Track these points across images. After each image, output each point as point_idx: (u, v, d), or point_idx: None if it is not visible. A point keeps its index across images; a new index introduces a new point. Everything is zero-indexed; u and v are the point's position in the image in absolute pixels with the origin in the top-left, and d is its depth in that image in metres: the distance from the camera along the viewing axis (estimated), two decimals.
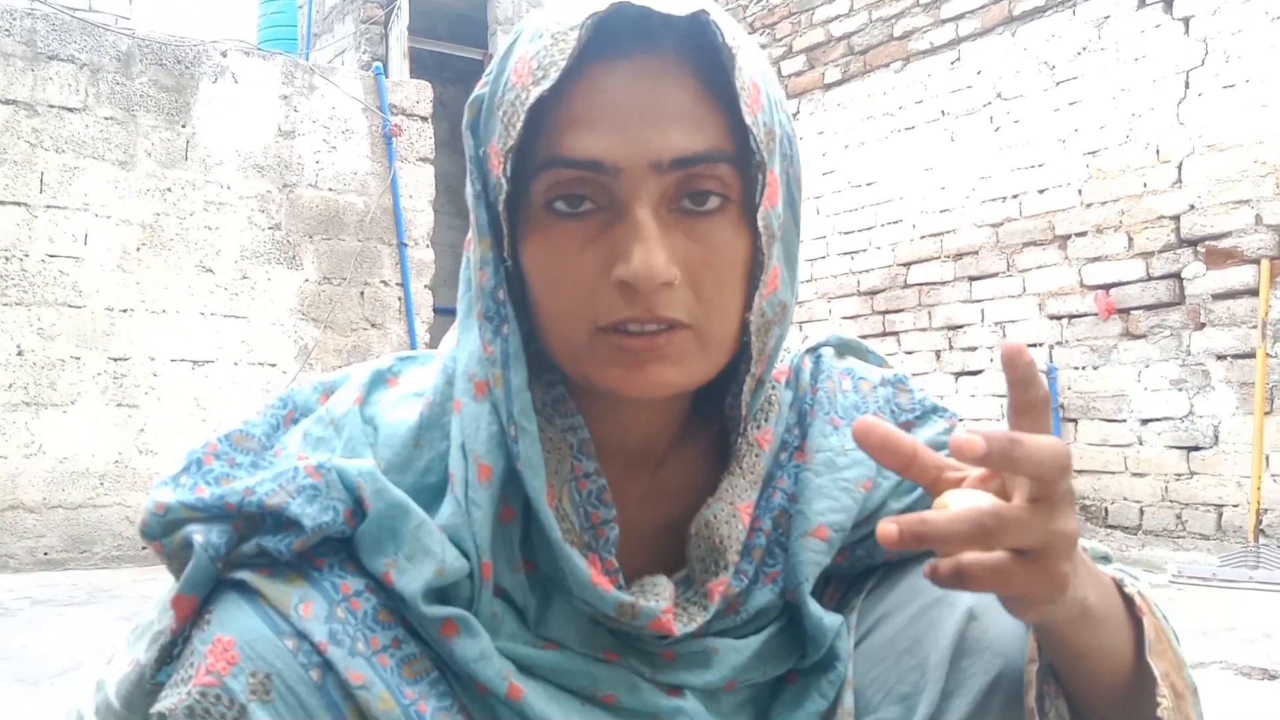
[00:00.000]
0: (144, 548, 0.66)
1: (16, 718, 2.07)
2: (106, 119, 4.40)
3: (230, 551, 0.64)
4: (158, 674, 0.65)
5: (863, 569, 0.81)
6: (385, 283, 5.06)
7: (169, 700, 0.61)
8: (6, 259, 4.15)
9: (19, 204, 4.20)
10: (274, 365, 4.70)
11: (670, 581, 0.72)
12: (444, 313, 6.65)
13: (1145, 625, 0.64)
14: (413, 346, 5.07)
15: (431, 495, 0.67)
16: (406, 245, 5.11)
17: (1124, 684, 0.65)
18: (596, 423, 0.71)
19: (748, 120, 0.61)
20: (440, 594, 0.66)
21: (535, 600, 0.70)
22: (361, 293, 4.98)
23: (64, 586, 3.70)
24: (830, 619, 0.76)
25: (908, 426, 0.80)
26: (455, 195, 8.38)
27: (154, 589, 3.58)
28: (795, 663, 0.77)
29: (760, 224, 0.64)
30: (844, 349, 0.85)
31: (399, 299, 5.08)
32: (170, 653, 0.64)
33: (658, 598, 0.69)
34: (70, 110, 4.33)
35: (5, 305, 4.13)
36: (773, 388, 0.76)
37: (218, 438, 0.69)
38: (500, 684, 0.65)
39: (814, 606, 0.75)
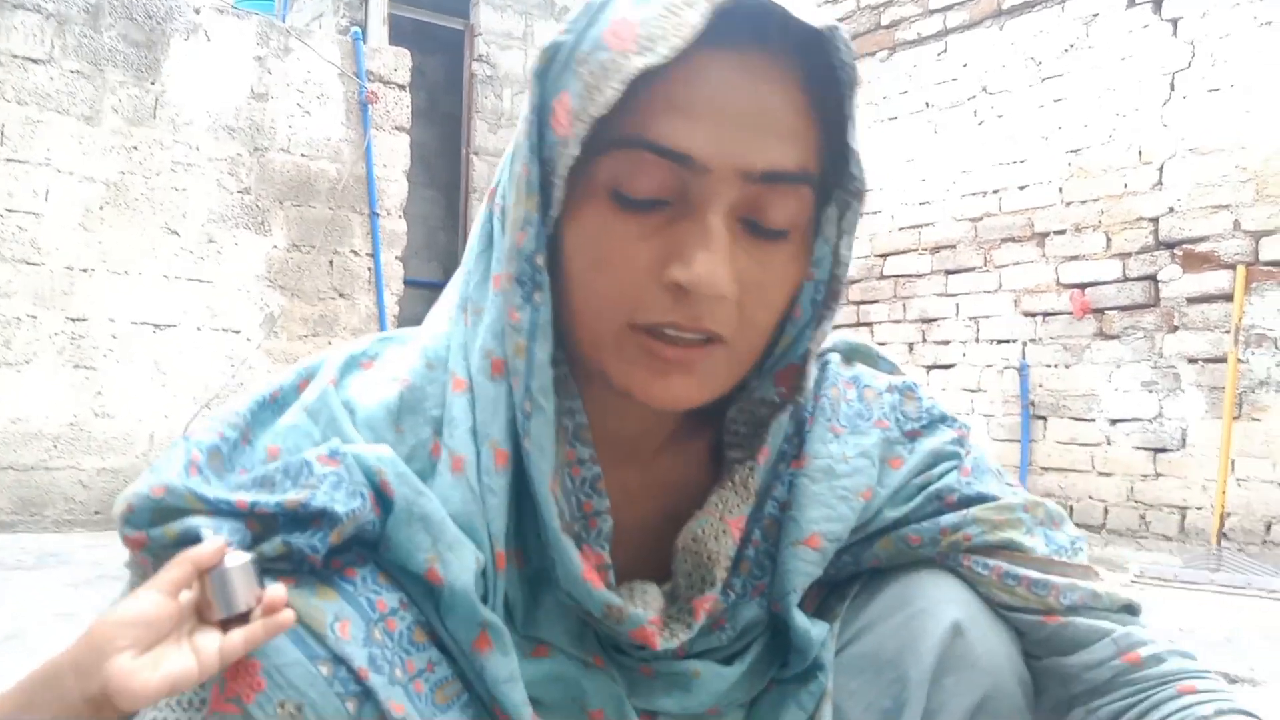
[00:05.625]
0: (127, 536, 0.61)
1: None
2: (72, 72, 4.27)
3: None
4: None
5: (848, 575, 0.77)
6: (355, 252, 4.97)
7: None
8: None
9: None
10: (238, 332, 4.61)
11: (659, 593, 0.68)
12: (414, 285, 6.58)
13: None
14: (381, 318, 4.98)
15: None
16: (379, 215, 5.02)
17: None
18: (593, 407, 0.66)
19: (854, 145, 0.59)
20: None
21: (523, 596, 0.66)
22: (331, 261, 4.89)
23: (11, 550, 3.61)
24: (817, 629, 0.72)
25: (913, 435, 0.76)
26: (430, 167, 8.26)
27: (105, 555, 3.51)
28: (775, 672, 0.73)
29: (843, 251, 0.62)
30: (852, 355, 0.81)
31: (369, 269, 4.99)
32: None
33: (646, 605, 0.66)
34: (35, 61, 4.20)
35: None
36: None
37: (218, 420, 0.64)
38: (523, 712, 0.61)
39: (800, 618, 0.71)
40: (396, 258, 5.11)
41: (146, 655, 0.51)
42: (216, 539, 0.54)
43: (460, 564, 0.60)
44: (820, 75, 0.59)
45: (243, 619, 0.54)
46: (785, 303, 0.62)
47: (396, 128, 5.18)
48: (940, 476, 0.74)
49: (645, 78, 0.56)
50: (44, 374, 4.14)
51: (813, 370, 0.76)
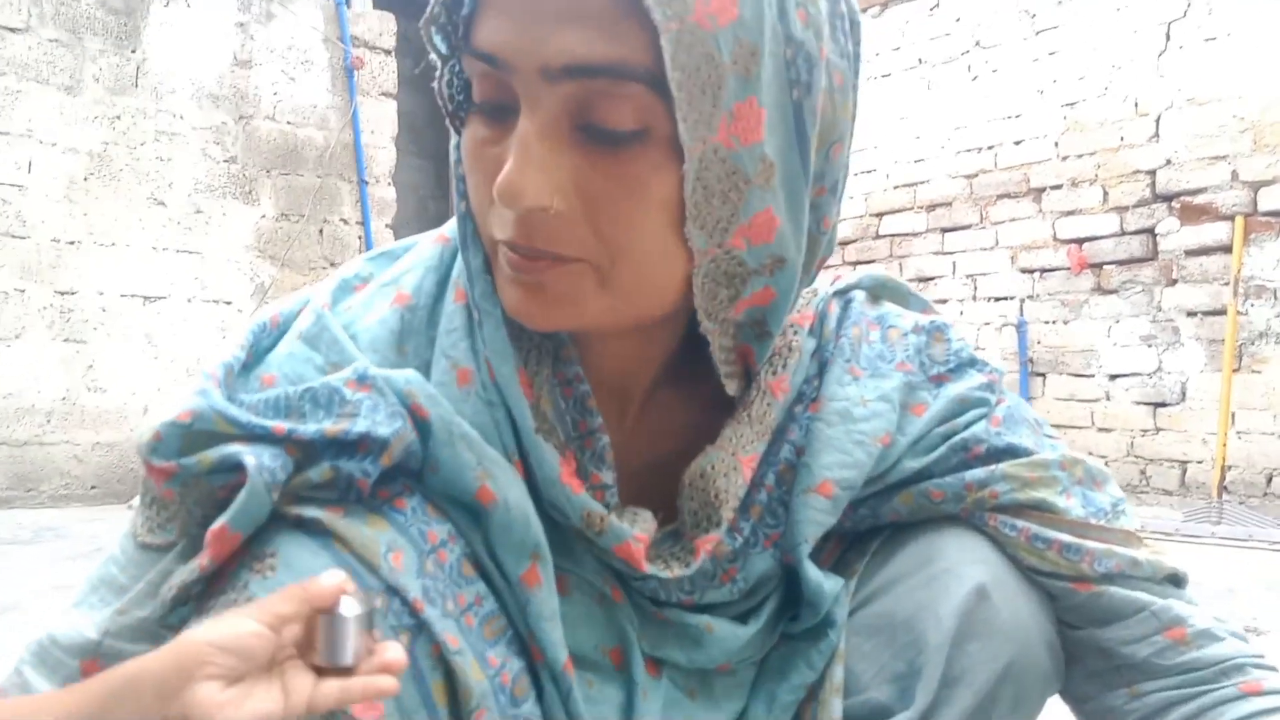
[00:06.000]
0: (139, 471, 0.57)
1: None
2: (51, 41, 4.19)
3: (288, 481, 0.54)
4: (169, 615, 0.56)
5: (867, 527, 0.72)
6: (345, 221, 4.91)
7: None
8: None
9: None
10: (229, 303, 4.56)
11: (654, 518, 0.64)
12: None
13: None
14: None
15: None
16: (367, 183, 4.95)
17: None
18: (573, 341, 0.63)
19: (666, 39, 0.49)
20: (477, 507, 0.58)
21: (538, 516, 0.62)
22: (320, 230, 4.83)
23: (8, 525, 3.58)
24: (830, 583, 0.68)
25: (939, 380, 0.71)
26: (419, 135, 8.17)
27: (102, 529, 3.48)
28: (785, 625, 0.70)
29: (716, 165, 0.52)
30: (879, 291, 0.76)
31: (359, 238, 4.93)
32: (190, 593, 0.55)
33: (634, 524, 0.62)
34: (12, 30, 4.11)
35: None
36: (794, 333, 0.68)
37: (229, 345, 0.61)
38: (560, 654, 0.58)
39: (812, 570, 0.66)
40: (387, 225, 5.05)
41: (235, 688, 0.47)
42: (336, 573, 0.50)
43: (506, 478, 0.58)
44: None
45: (344, 669, 0.50)
46: (659, 221, 0.54)
47: (383, 93, 5.10)
48: (967, 426, 0.69)
49: None
50: (34, 348, 4.09)
51: (834, 309, 0.72)
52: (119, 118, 4.33)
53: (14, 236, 4.07)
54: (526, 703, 0.58)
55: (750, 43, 0.50)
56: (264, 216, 4.67)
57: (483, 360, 0.60)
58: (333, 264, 4.86)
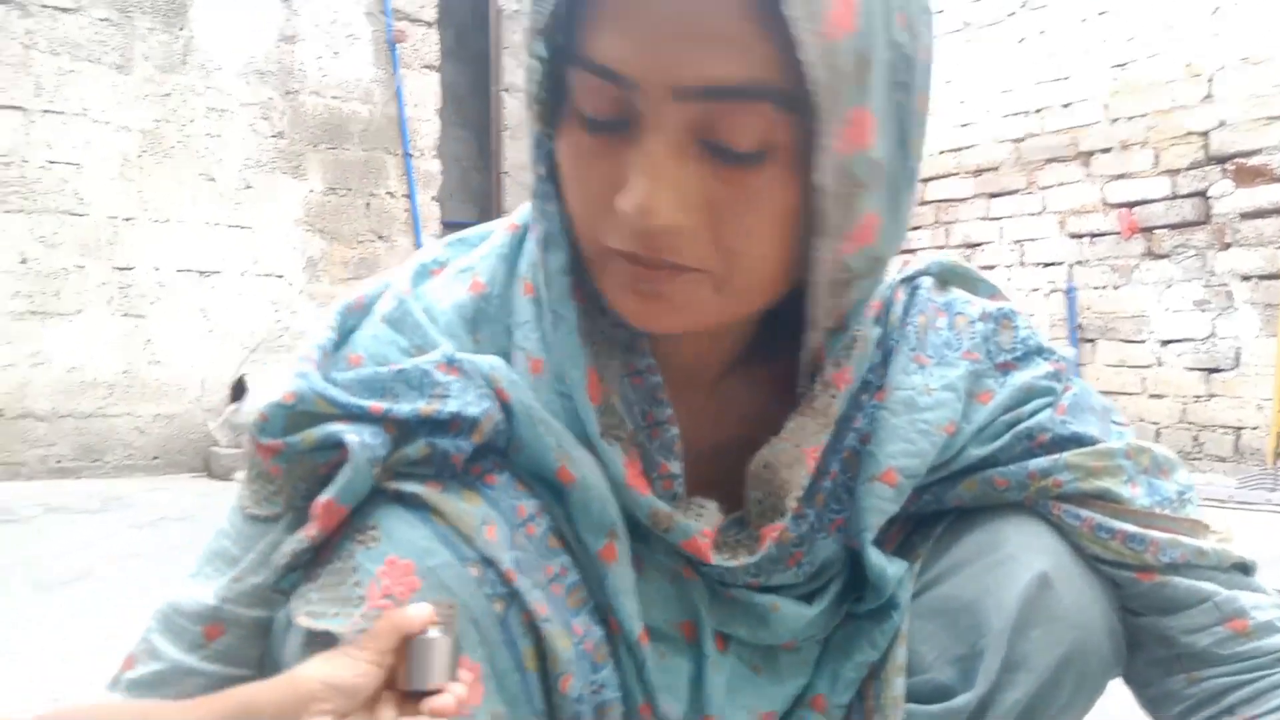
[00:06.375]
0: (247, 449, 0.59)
1: (29, 620, 2.06)
2: (102, 20, 4.25)
3: (388, 458, 0.58)
4: (281, 581, 0.60)
5: (932, 511, 0.73)
6: (391, 194, 4.96)
7: (337, 622, 0.56)
8: (6, 165, 4.05)
9: (15, 108, 4.07)
10: (281, 277, 4.63)
11: (719, 510, 0.66)
12: (451, 226, 6.58)
13: None
14: None
15: None
16: (412, 156, 4.99)
17: None
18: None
19: (808, 52, 0.48)
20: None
21: None
22: (368, 204, 4.89)
23: (77, 495, 3.69)
24: (894, 567, 0.69)
25: (1005, 368, 0.72)
26: (462, 106, 8.20)
27: (165, 498, 3.58)
28: (850, 605, 0.71)
29: (833, 172, 0.52)
30: (947, 277, 0.76)
31: (406, 210, 4.98)
32: (299, 561, 0.59)
33: (700, 518, 0.64)
34: (64, 11, 4.18)
35: (7, 212, 4.04)
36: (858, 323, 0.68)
37: (319, 324, 0.65)
38: (635, 626, 0.61)
39: (876, 556, 0.68)
40: (433, 198, 5.09)
41: None
42: (423, 605, 0.54)
43: (587, 462, 0.60)
44: None
45: (424, 695, 0.54)
46: (783, 229, 0.54)
47: (426, 66, 5.12)
48: (1032, 414, 0.70)
49: None
50: (95, 323, 4.20)
51: (901, 296, 0.73)
52: (169, 95, 4.39)
53: (73, 214, 4.16)
54: (605, 669, 0.61)
55: (865, 50, 0.50)
56: (312, 191, 4.73)
57: (554, 353, 0.63)
58: (380, 237, 4.91)
